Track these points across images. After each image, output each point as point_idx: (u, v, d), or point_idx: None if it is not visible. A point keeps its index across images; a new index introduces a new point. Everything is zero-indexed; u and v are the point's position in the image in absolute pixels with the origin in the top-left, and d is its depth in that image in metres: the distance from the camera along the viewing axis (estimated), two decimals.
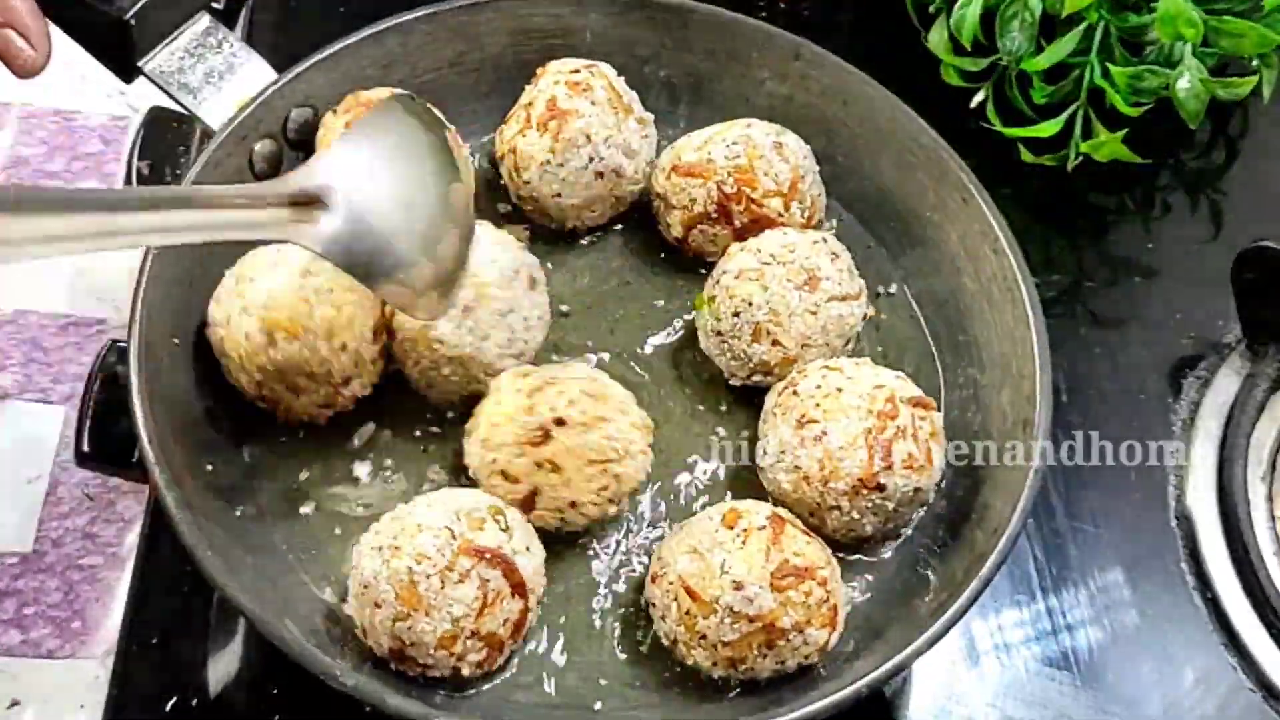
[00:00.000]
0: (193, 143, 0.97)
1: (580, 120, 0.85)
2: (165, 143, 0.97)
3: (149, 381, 0.73)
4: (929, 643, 0.70)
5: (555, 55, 0.91)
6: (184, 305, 0.79)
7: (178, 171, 0.96)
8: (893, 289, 0.91)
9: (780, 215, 0.85)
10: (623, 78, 0.89)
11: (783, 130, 0.88)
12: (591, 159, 0.85)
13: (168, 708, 0.77)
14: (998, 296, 0.84)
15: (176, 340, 0.78)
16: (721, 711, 0.73)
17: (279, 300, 0.74)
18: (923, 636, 0.70)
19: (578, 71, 0.87)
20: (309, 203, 0.64)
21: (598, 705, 0.74)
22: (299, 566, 0.76)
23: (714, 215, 0.86)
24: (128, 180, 0.96)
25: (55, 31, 0.75)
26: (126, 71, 0.84)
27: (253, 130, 0.84)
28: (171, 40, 0.83)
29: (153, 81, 0.83)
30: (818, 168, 0.89)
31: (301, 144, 0.87)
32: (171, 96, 0.83)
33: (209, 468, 0.76)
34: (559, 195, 0.86)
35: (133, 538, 1.03)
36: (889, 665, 0.69)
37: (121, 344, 0.84)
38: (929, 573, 0.78)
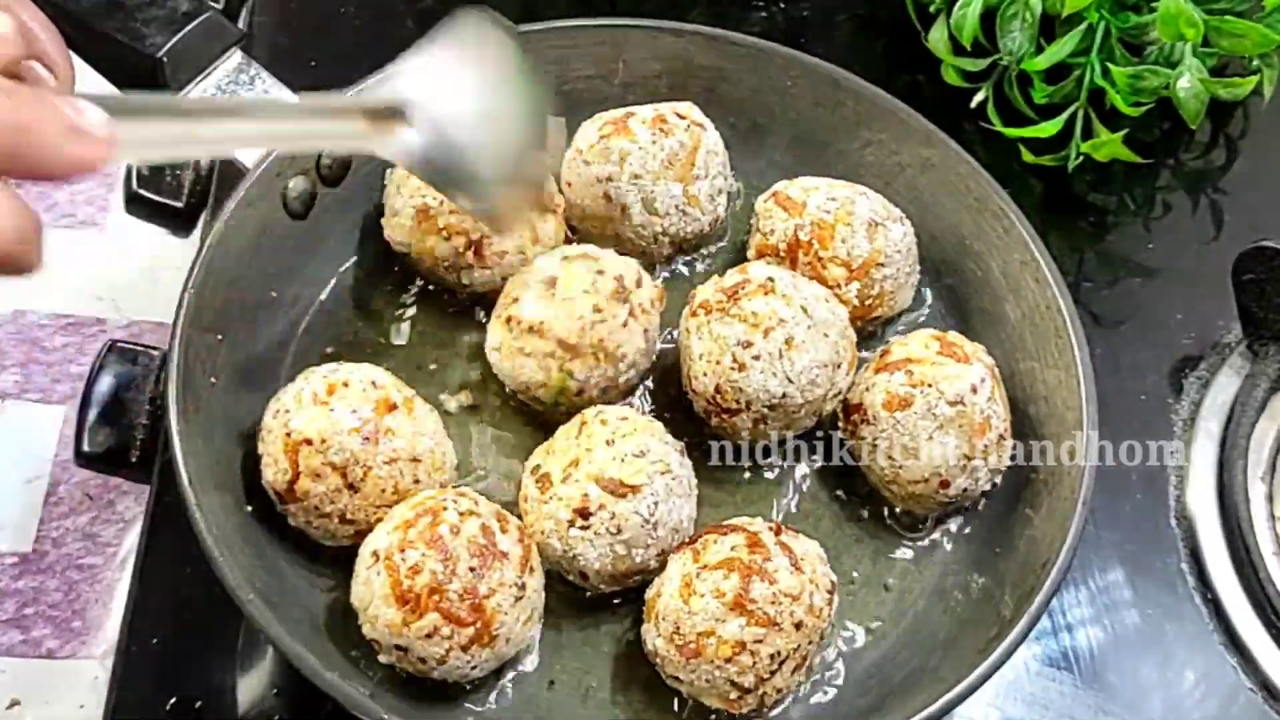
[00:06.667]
0: None
1: (627, 142, 0.84)
2: None
3: (188, 419, 0.74)
4: (981, 679, 0.71)
5: (587, 95, 0.91)
6: (220, 347, 0.80)
7: (178, 171, 0.96)
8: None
9: (838, 287, 0.83)
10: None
11: (897, 218, 0.86)
12: (610, 179, 0.84)
13: (168, 707, 0.77)
14: (1041, 325, 0.84)
15: (214, 380, 0.79)
16: None
17: None
18: (975, 673, 0.70)
19: (682, 117, 0.86)
20: (390, 116, 0.64)
21: None
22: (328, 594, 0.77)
23: (782, 254, 0.85)
24: (127, 178, 0.96)
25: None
26: None
27: (286, 167, 0.83)
28: (204, 77, 0.83)
29: None
30: (915, 269, 0.87)
31: (335, 180, 0.87)
32: None
33: (249, 508, 0.77)
34: (570, 185, 0.87)
35: (133, 538, 1.03)
36: (940, 703, 0.69)
37: (122, 344, 0.85)
38: (975, 609, 0.78)
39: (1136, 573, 0.86)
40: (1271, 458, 0.91)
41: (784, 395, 0.77)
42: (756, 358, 0.77)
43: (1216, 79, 0.97)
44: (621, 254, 0.83)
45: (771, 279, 0.79)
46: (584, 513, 0.72)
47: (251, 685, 0.78)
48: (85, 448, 0.82)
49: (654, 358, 0.83)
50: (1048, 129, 0.97)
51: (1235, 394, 0.92)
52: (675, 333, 0.84)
